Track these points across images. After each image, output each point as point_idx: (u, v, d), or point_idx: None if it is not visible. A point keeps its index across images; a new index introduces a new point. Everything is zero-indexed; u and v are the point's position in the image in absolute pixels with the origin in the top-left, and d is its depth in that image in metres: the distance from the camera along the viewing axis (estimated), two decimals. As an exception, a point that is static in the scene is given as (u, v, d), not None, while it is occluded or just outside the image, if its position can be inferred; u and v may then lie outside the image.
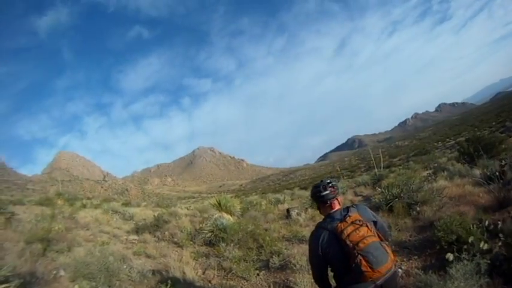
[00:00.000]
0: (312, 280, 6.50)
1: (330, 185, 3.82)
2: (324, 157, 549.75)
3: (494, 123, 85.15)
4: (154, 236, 12.43)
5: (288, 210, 13.44)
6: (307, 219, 12.21)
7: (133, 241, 11.89)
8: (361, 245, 3.25)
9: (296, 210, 13.13)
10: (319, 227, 3.69)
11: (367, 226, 3.41)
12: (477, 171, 12.21)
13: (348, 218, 3.48)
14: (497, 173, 9.23)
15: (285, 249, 9.06)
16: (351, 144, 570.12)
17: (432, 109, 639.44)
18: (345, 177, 48.21)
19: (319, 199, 3.80)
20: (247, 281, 7.73)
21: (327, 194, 3.75)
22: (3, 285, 5.25)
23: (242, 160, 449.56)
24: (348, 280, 3.37)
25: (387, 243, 3.49)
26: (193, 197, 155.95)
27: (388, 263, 3.28)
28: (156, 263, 9.38)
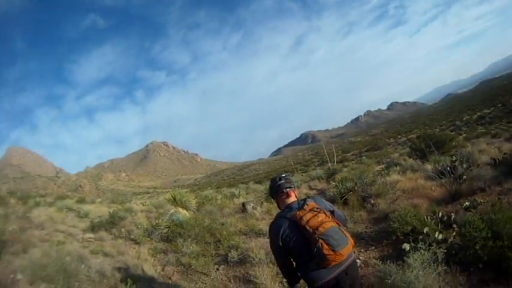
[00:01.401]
0: (272, 273, 6.54)
1: (285, 177, 4.00)
2: (277, 152, 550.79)
3: (444, 122, 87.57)
4: (111, 234, 12.22)
5: (243, 204, 13.48)
6: (263, 213, 12.31)
7: (90, 239, 11.62)
8: (321, 229, 3.32)
9: (252, 204, 13.18)
10: (278, 217, 3.76)
11: (324, 213, 3.51)
12: (429, 166, 12.51)
13: (306, 206, 3.58)
14: (448, 168, 9.50)
15: (243, 243, 9.07)
16: (304, 139, 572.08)
17: (384, 107, 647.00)
18: (299, 172, 48.49)
19: (277, 189, 3.92)
20: (207, 276, 7.71)
21: (282, 183, 3.89)
22: None
23: (196, 155, 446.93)
24: (311, 267, 3.42)
25: (346, 228, 3.58)
26: (148, 192, 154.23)
27: (348, 246, 3.37)
28: (114, 261, 9.17)
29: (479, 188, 8.99)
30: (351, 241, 3.42)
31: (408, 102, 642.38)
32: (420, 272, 4.74)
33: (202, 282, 7.46)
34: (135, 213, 15.15)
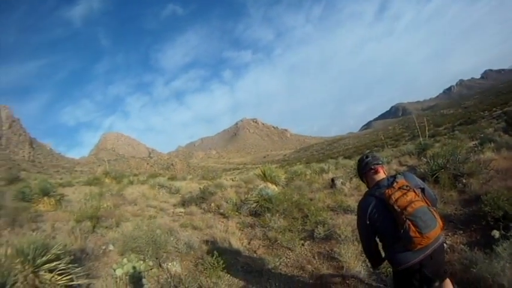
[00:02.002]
0: (356, 252, 6.45)
1: (372, 154, 3.99)
2: (367, 125, 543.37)
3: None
4: (201, 208, 12.69)
5: (332, 180, 13.34)
6: (352, 189, 12.12)
7: (180, 214, 12.15)
8: (409, 209, 3.22)
9: (341, 180, 13.02)
10: (367, 195, 3.70)
11: (414, 191, 3.39)
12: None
13: (395, 183, 3.49)
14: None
15: (330, 219, 8.91)
16: (394, 112, 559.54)
17: (478, 76, 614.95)
18: (389, 146, 47.61)
19: (364, 166, 3.89)
20: (292, 251, 7.74)
21: (370, 160, 3.86)
22: (55, 263, 5.48)
23: (286, 130, 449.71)
24: (397, 248, 3.36)
25: (435, 209, 3.44)
26: (238, 169, 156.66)
27: (436, 228, 3.24)
28: (202, 234, 9.55)
29: None
30: (439, 223, 3.29)
31: (503, 69, 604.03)
32: (508, 264, 4.42)
33: (286, 257, 7.50)
34: (225, 189, 15.53)
